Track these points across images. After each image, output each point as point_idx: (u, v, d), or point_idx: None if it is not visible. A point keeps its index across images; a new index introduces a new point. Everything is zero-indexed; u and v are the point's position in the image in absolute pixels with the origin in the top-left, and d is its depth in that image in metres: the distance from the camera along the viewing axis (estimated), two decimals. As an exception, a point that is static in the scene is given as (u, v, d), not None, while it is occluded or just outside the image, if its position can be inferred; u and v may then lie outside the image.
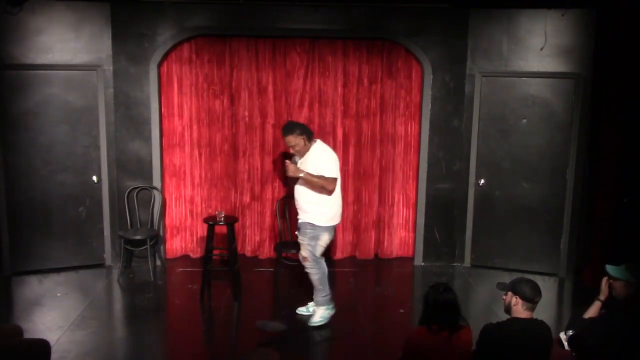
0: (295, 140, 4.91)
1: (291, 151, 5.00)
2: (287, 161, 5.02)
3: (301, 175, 4.86)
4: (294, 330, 5.02)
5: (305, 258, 4.96)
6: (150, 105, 6.31)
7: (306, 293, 5.71)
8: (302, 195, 4.94)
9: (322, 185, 4.87)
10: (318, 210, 4.92)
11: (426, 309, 3.33)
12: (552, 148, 6.32)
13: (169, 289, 6.09)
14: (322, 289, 5.01)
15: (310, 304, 5.21)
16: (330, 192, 4.91)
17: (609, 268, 3.72)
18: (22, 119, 6.03)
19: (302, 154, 4.97)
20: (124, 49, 6.19)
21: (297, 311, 5.25)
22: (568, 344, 3.75)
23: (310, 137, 4.98)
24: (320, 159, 4.92)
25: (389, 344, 4.63)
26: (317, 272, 4.99)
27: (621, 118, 5.78)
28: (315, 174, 4.85)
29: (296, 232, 5.10)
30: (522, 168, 6.40)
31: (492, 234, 6.56)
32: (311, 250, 4.94)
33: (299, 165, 4.97)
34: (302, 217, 4.97)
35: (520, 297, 3.31)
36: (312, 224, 4.91)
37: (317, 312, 5.05)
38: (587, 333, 3.71)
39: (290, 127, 5.00)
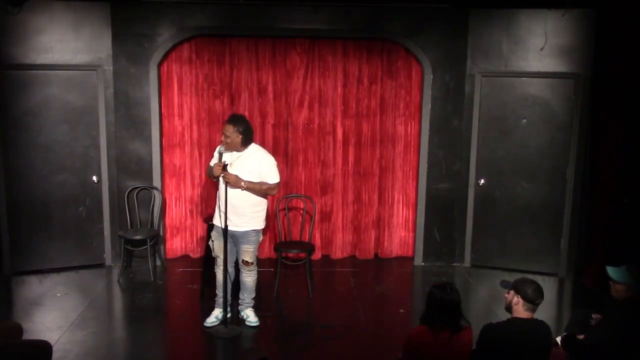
0: (232, 135, 4.68)
1: (222, 140, 4.73)
2: (227, 172, 4.69)
3: (242, 184, 4.68)
4: (293, 330, 5.03)
5: (249, 263, 4.89)
6: (150, 105, 6.31)
7: (306, 293, 5.73)
8: (244, 199, 4.76)
9: (265, 192, 4.85)
10: (259, 213, 4.86)
11: (429, 308, 3.31)
12: (552, 148, 6.32)
13: (169, 289, 6.09)
14: (253, 291, 5.05)
15: (217, 312, 5.06)
16: (273, 195, 5.11)
17: (610, 270, 3.69)
18: (22, 119, 6.03)
19: (230, 149, 4.75)
20: (124, 49, 6.19)
21: (206, 324, 4.98)
22: (561, 344, 3.75)
23: (247, 141, 4.77)
24: (262, 165, 4.79)
25: (389, 344, 4.63)
26: (255, 275, 5.01)
27: (621, 118, 5.78)
28: (257, 179, 4.75)
29: (242, 260, 4.88)
30: (522, 168, 6.40)
31: (492, 234, 6.56)
32: (255, 254, 4.94)
33: (229, 160, 4.75)
34: (244, 226, 4.78)
35: (522, 297, 3.31)
36: (256, 229, 4.87)
37: (251, 313, 5.06)
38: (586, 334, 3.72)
39: (236, 120, 4.77)
